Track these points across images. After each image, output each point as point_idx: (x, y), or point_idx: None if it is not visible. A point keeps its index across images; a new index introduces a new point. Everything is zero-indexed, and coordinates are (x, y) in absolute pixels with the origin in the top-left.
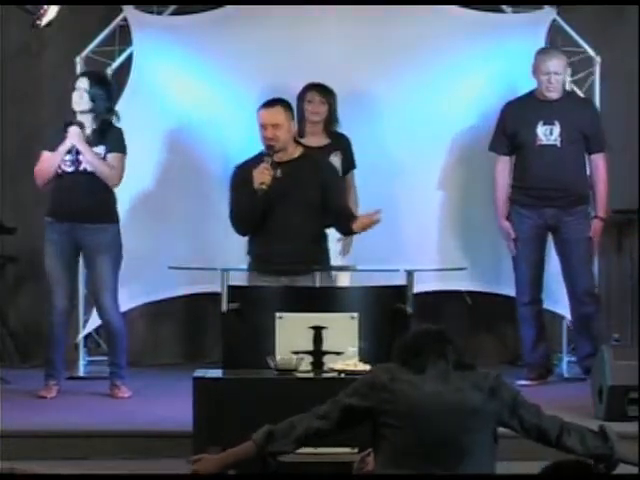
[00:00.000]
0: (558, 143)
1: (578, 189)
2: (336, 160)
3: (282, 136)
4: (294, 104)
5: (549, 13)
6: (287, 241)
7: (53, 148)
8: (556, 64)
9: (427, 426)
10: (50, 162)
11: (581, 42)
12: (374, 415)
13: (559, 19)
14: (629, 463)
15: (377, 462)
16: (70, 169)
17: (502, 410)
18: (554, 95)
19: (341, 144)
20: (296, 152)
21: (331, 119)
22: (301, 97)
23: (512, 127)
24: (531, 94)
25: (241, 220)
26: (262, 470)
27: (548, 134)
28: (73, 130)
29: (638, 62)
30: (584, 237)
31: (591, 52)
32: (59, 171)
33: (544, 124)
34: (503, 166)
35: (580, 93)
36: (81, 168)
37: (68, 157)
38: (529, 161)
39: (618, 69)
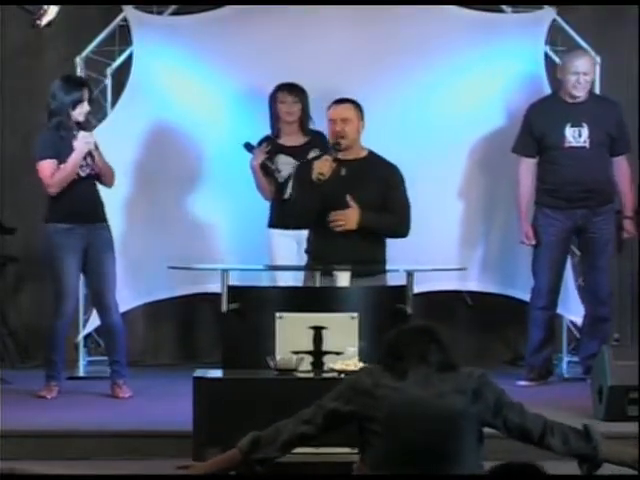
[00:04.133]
0: (587, 145)
1: (606, 189)
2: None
3: (351, 133)
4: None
5: (549, 13)
6: (347, 241)
7: (58, 156)
8: (585, 64)
9: (411, 433)
10: (70, 169)
11: (581, 42)
12: (359, 419)
13: (559, 19)
14: (614, 463)
15: (365, 466)
16: (85, 173)
17: (486, 411)
18: (581, 95)
19: (318, 141)
20: (362, 153)
21: (305, 117)
22: (273, 98)
23: (539, 129)
24: (555, 95)
25: (298, 211)
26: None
27: (577, 136)
28: (85, 135)
29: (638, 62)
30: (611, 238)
31: (591, 52)
32: (75, 177)
33: (572, 126)
34: (527, 167)
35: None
36: (93, 172)
37: (83, 162)
38: (557, 163)
39: (618, 69)
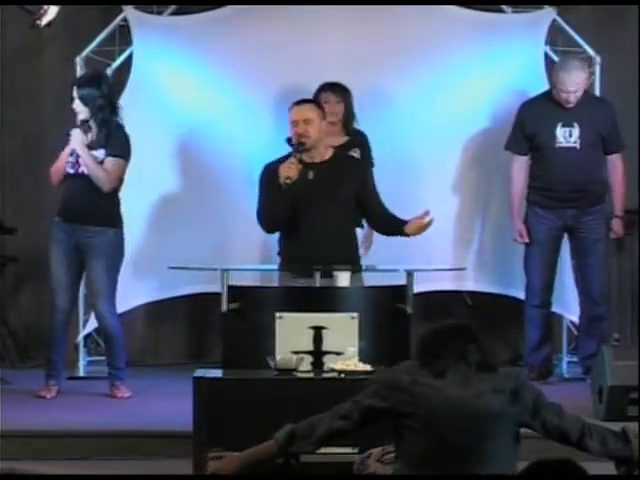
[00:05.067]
0: (578, 145)
1: (596, 190)
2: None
3: (313, 133)
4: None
5: (549, 13)
6: (319, 242)
7: (64, 148)
8: (575, 83)
9: (448, 432)
10: (57, 163)
11: (581, 42)
12: (395, 416)
13: (559, 19)
14: None
15: (398, 463)
16: (71, 171)
17: (524, 412)
18: (571, 107)
19: (359, 141)
20: (327, 153)
21: (349, 117)
22: (316, 98)
23: (531, 128)
24: (548, 93)
25: (268, 217)
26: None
27: (567, 136)
28: (74, 133)
29: (638, 62)
30: (601, 237)
31: (591, 52)
32: (65, 173)
33: (563, 126)
34: (520, 165)
35: None
36: (80, 171)
37: (70, 159)
38: (548, 163)
39: (618, 69)
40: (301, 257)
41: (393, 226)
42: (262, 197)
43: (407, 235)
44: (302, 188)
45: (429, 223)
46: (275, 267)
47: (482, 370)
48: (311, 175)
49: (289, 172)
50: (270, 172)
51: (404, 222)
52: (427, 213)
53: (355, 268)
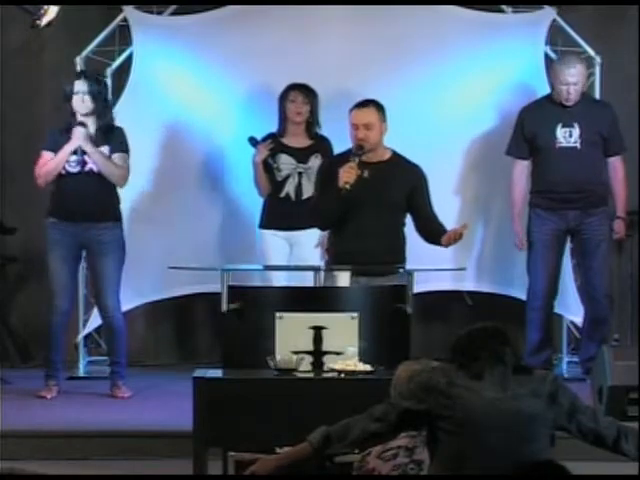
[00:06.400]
0: (578, 145)
1: (598, 190)
2: (317, 162)
3: (373, 137)
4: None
5: (549, 13)
6: (368, 242)
7: (55, 149)
8: (575, 74)
9: (484, 434)
10: (55, 163)
11: (581, 42)
12: (431, 418)
13: (559, 19)
14: None
15: (432, 464)
16: (75, 170)
17: (560, 415)
18: (572, 103)
19: (322, 146)
20: (386, 154)
21: (313, 120)
22: (284, 96)
23: (531, 130)
24: (548, 97)
25: (321, 214)
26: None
27: (567, 136)
28: (78, 131)
29: (638, 62)
30: (605, 238)
31: (591, 52)
32: (62, 172)
33: (563, 126)
34: (522, 169)
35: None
36: (87, 169)
37: (73, 158)
38: (549, 164)
39: (618, 69)
40: (348, 255)
41: (434, 235)
42: (319, 194)
43: (444, 245)
44: (356, 186)
45: (461, 234)
46: (275, 267)
47: (519, 373)
48: (366, 174)
49: (348, 177)
50: (331, 168)
51: (443, 232)
52: (465, 226)
53: (395, 269)
